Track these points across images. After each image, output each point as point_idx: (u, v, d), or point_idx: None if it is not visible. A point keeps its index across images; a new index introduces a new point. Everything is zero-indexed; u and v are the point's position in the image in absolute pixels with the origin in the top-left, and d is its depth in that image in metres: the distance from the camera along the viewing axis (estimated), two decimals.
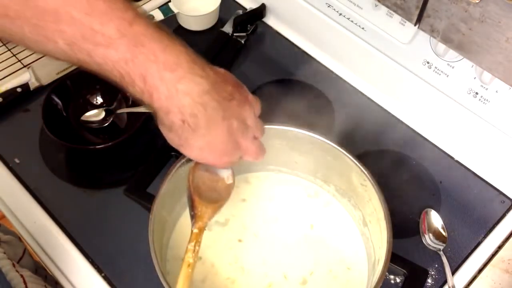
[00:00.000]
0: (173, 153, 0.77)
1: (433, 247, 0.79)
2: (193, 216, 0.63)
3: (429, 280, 0.77)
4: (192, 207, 0.64)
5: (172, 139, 0.58)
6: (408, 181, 0.87)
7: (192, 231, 0.62)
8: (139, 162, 0.87)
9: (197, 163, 0.66)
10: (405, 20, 0.83)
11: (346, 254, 0.75)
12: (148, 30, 0.50)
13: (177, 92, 0.52)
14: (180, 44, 0.53)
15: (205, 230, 0.64)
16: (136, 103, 0.89)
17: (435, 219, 0.81)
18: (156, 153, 0.78)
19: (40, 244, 0.79)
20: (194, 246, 0.61)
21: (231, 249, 0.75)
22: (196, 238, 0.62)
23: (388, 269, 0.64)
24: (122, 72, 0.51)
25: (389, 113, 0.96)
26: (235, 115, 0.59)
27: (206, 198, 0.65)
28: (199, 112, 0.54)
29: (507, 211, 0.84)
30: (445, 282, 0.76)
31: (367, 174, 0.70)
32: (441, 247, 0.79)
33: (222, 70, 0.60)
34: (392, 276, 0.76)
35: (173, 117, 0.54)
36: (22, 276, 0.75)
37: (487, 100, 0.82)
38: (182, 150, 0.59)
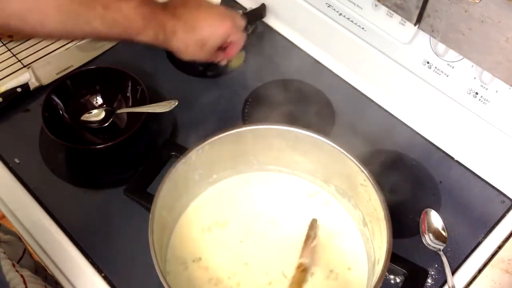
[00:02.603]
0: (173, 153, 0.77)
1: (433, 247, 0.79)
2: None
3: (429, 280, 0.77)
4: None
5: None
6: (408, 181, 0.87)
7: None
8: (139, 162, 0.87)
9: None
10: (405, 20, 0.83)
11: (346, 254, 0.75)
12: None
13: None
14: None
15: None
16: (136, 103, 0.90)
17: (435, 219, 0.81)
18: (156, 153, 0.78)
19: (40, 244, 0.79)
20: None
21: (233, 249, 0.75)
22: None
23: (388, 269, 0.64)
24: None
25: (389, 113, 0.96)
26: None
27: None
28: None
29: (507, 211, 0.84)
30: (445, 282, 0.76)
31: (367, 174, 0.70)
32: (441, 247, 0.79)
33: None
34: (392, 276, 0.76)
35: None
36: (22, 276, 0.75)
37: (487, 100, 0.82)
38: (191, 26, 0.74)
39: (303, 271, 0.70)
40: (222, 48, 0.80)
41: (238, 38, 0.80)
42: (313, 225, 0.75)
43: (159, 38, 0.72)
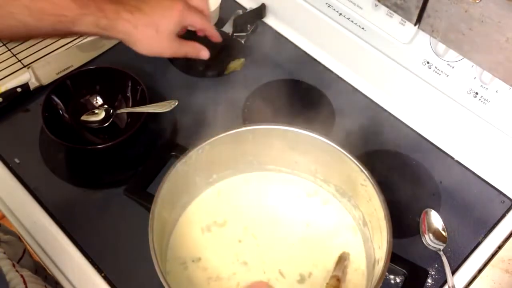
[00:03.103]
0: (173, 153, 0.77)
1: (433, 247, 0.79)
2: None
3: (429, 280, 0.77)
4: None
5: (139, 26, 0.68)
6: (408, 181, 0.87)
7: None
8: (139, 162, 0.87)
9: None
10: (405, 20, 0.83)
11: None
12: None
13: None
14: None
15: None
16: (136, 103, 0.90)
17: (435, 219, 0.81)
18: (156, 153, 0.78)
19: (40, 244, 0.80)
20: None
21: (232, 249, 0.75)
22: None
23: (388, 269, 0.64)
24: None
25: (389, 113, 0.96)
26: None
27: None
28: None
29: (507, 211, 0.84)
30: (445, 282, 0.76)
31: (367, 174, 0.70)
32: (441, 247, 0.79)
33: None
34: (392, 276, 0.76)
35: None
36: (22, 276, 0.75)
37: (487, 100, 0.82)
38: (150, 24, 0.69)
39: (338, 281, 0.71)
40: (187, 37, 0.75)
41: (197, 19, 0.73)
42: (345, 254, 0.75)
43: (101, 24, 0.66)
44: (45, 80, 0.96)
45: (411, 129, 0.94)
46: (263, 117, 0.92)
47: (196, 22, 0.74)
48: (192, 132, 0.90)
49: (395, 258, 0.66)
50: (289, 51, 1.04)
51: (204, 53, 0.77)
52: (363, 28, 0.94)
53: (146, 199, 0.71)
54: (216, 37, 0.80)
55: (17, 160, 0.87)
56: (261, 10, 1.07)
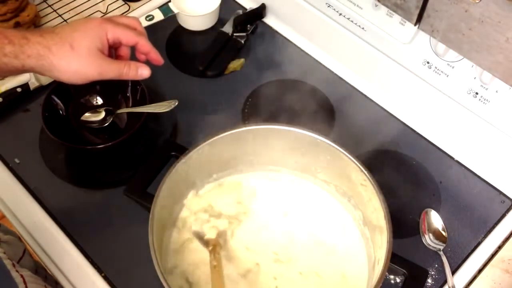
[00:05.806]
0: (173, 153, 0.77)
1: (433, 247, 0.79)
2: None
3: (429, 280, 0.77)
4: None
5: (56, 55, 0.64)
6: (408, 181, 0.87)
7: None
8: (139, 162, 0.87)
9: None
10: (405, 20, 0.83)
11: (346, 254, 0.75)
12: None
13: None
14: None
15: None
16: (136, 103, 0.90)
17: (435, 219, 0.81)
18: (156, 153, 0.78)
19: (40, 244, 0.80)
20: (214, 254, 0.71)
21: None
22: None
23: (388, 269, 0.64)
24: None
25: (389, 113, 0.96)
26: None
27: None
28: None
29: (507, 211, 0.85)
30: (445, 282, 0.76)
31: (367, 174, 0.70)
32: (441, 247, 0.79)
33: None
34: (392, 276, 0.76)
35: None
36: (22, 276, 0.75)
37: (487, 100, 0.82)
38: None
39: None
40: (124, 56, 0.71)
41: (125, 32, 0.67)
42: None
43: (6, 51, 0.61)
44: (45, 80, 0.96)
45: (411, 129, 0.94)
46: (263, 117, 0.92)
47: (124, 36, 0.68)
48: (192, 132, 0.90)
49: (395, 258, 0.66)
50: (289, 51, 1.04)
51: (144, 72, 0.70)
52: (363, 28, 0.94)
53: (146, 199, 0.71)
54: (158, 60, 0.73)
55: (17, 160, 0.87)
56: (261, 10, 1.07)
